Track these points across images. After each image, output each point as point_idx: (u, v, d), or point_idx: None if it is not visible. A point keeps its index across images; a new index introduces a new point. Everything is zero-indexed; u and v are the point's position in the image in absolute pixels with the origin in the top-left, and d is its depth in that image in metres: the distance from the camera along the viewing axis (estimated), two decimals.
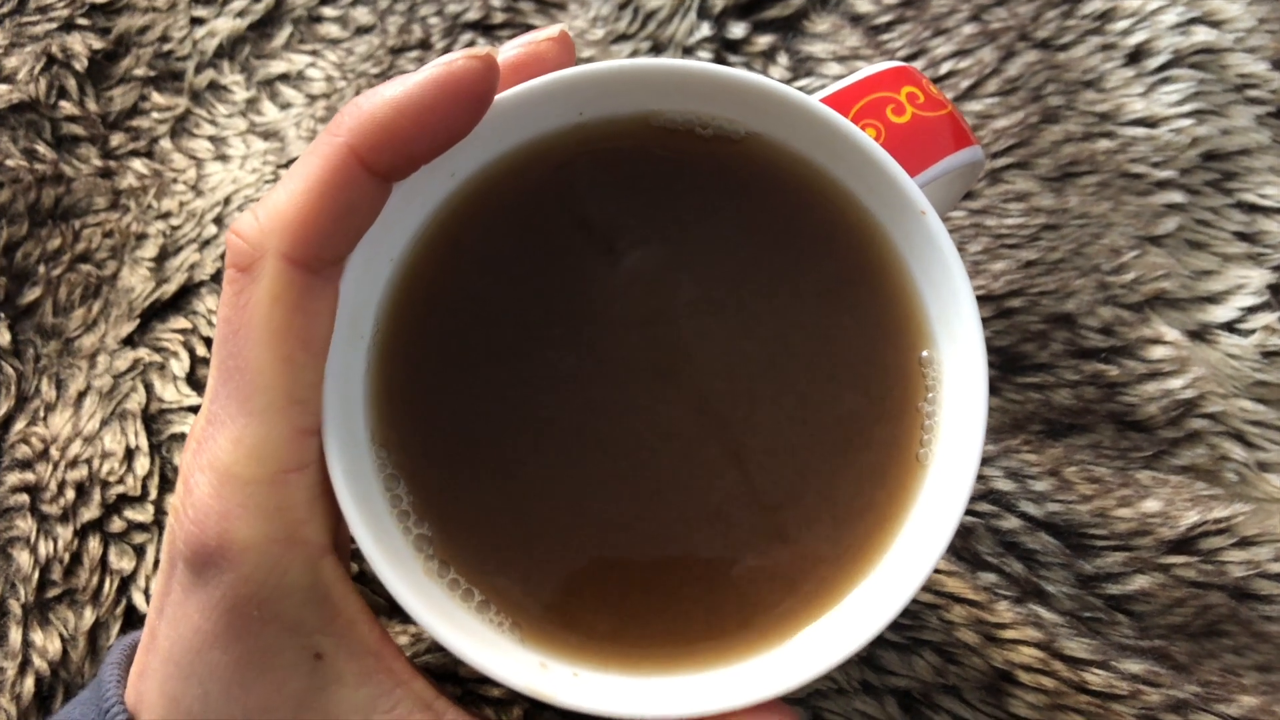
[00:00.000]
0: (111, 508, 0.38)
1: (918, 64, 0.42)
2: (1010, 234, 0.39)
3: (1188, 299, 0.39)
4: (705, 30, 0.43)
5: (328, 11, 0.47)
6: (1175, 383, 0.38)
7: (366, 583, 0.34)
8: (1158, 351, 0.39)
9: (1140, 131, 0.41)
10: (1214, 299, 0.39)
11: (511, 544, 0.26)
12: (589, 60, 0.41)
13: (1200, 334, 0.39)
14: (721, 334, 0.27)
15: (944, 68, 0.42)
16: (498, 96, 0.26)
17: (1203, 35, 0.41)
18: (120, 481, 0.38)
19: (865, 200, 0.27)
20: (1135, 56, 0.41)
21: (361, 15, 0.47)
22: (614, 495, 0.26)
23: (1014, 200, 0.40)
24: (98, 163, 0.45)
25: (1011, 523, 0.37)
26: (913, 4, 0.43)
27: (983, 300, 0.39)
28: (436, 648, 0.33)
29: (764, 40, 0.43)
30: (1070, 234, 0.40)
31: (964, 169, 0.30)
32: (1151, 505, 0.37)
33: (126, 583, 0.37)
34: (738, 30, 0.43)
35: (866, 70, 0.30)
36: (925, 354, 0.27)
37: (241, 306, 0.24)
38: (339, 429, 0.25)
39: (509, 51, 0.27)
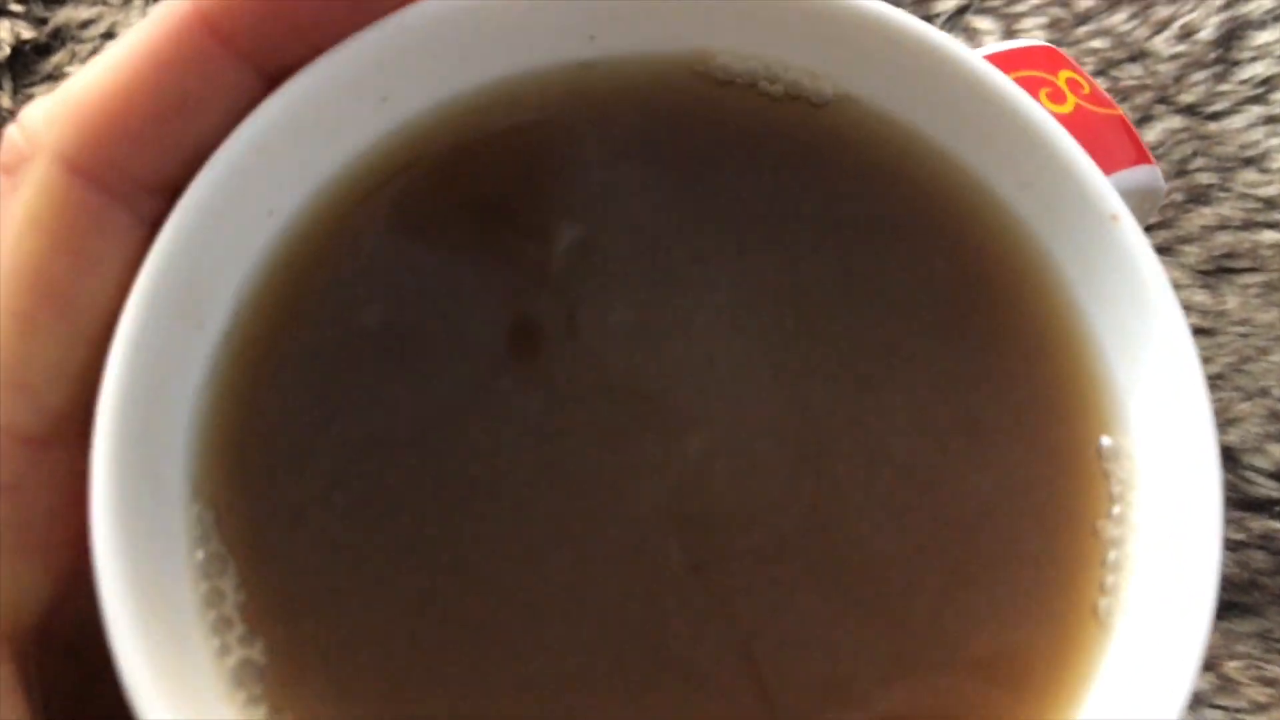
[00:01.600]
0: None
1: None
2: None
3: None
4: None
5: None
6: None
7: None
8: None
9: None
10: None
11: (402, 700, 0.15)
12: None
13: None
14: (777, 402, 0.17)
15: None
16: (471, 1, 0.17)
17: None
18: None
19: (1015, 202, 0.18)
20: None
21: None
22: (584, 665, 0.16)
23: None
24: None
25: None
26: None
27: None
28: None
29: None
30: (1229, 344, 0.30)
31: (1142, 194, 0.21)
32: None
33: None
34: None
35: (1007, 44, 0.21)
36: (1108, 442, 0.17)
37: None
38: (129, 462, 0.14)
39: None
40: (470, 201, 0.18)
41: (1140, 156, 0.20)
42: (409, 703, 0.15)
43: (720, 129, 0.18)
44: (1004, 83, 0.17)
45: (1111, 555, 0.16)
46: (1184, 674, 0.15)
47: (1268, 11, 0.34)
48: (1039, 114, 0.17)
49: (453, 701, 0.15)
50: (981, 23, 0.35)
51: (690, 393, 0.17)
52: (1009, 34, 0.35)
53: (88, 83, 0.15)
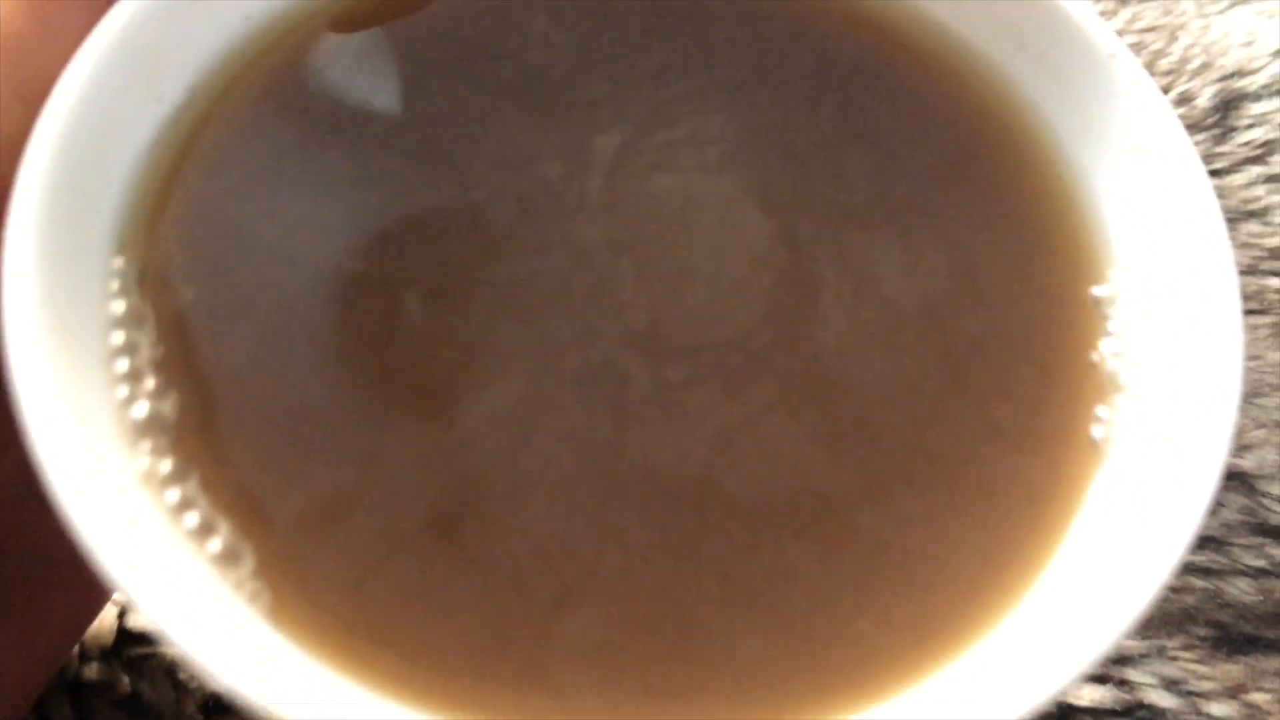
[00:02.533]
0: None
1: None
2: None
3: None
4: None
5: None
6: None
7: None
8: None
9: None
10: None
11: (326, 466, 0.14)
12: None
13: None
14: (761, 231, 0.16)
15: None
16: None
17: None
18: None
19: (1012, 63, 0.17)
20: None
21: None
22: (539, 469, 0.14)
23: None
24: None
25: None
26: None
27: None
28: None
29: None
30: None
31: None
32: None
33: None
34: None
35: None
36: (1104, 289, 0.16)
37: None
38: (55, 199, 0.14)
39: None
40: (456, 31, 0.17)
41: None
42: (323, 466, 0.13)
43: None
44: None
45: (1108, 387, 0.15)
46: (1202, 494, 0.13)
47: (1263, 86, 0.35)
48: None
49: (370, 464, 0.13)
50: None
51: (668, 218, 0.16)
52: None
53: None
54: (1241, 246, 0.32)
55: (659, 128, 0.17)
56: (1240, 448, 0.28)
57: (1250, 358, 0.29)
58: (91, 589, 0.20)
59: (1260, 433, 0.28)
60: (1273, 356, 0.29)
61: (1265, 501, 0.27)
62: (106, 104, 0.14)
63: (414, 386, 0.14)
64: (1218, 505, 0.27)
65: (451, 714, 0.12)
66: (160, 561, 0.12)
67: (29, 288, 0.13)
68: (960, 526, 0.14)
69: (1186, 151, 0.15)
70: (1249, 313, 0.30)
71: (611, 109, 0.17)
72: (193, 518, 0.13)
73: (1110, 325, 0.15)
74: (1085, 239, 0.16)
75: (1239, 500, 0.27)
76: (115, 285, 0.14)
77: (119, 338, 0.14)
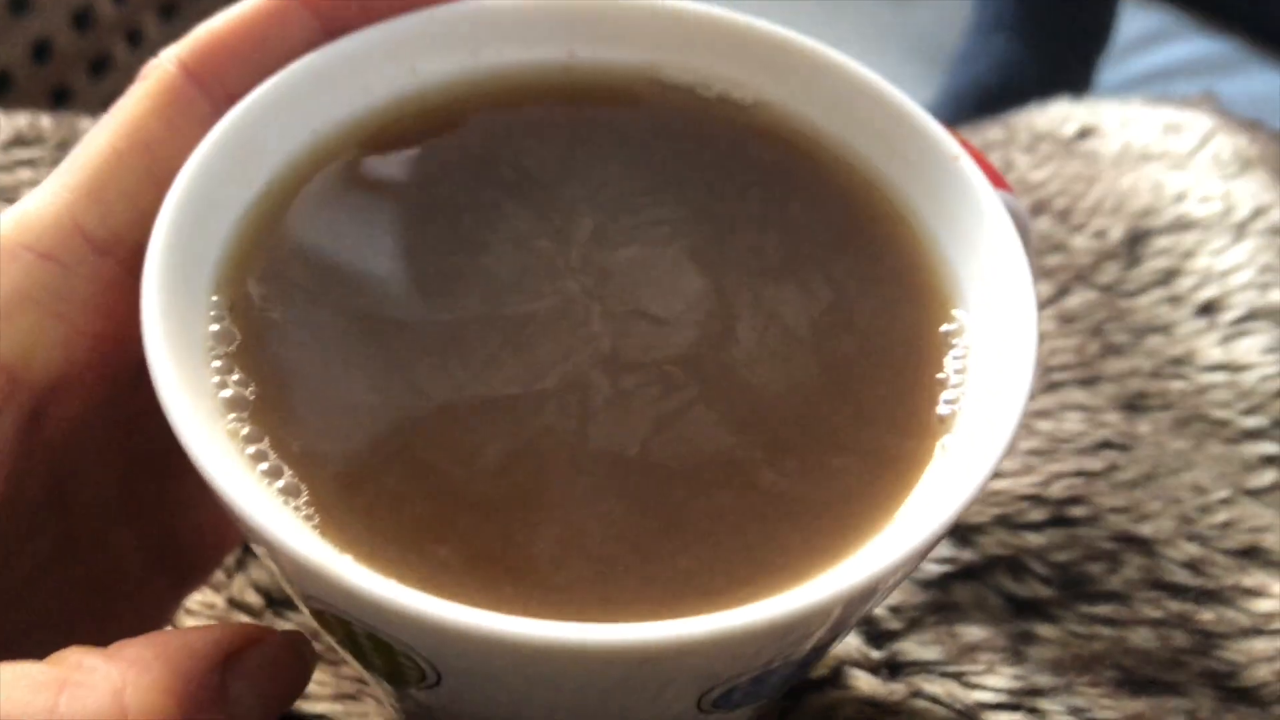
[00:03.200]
0: None
1: None
2: (1070, 440, 0.33)
3: None
4: None
5: None
6: None
7: None
8: (1263, 605, 0.30)
9: (1220, 377, 0.35)
10: None
11: (359, 435, 0.18)
12: None
13: None
14: (697, 285, 0.21)
15: None
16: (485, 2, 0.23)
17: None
18: None
19: (886, 166, 0.23)
20: (1207, 309, 0.37)
21: None
22: (537, 411, 0.19)
23: (1074, 409, 0.34)
24: None
25: None
26: None
27: (1036, 502, 0.32)
28: None
29: None
30: (1143, 457, 0.33)
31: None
32: None
33: None
34: None
35: None
36: (950, 326, 0.21)
37: (116, 107, 0.21)
38: (174, 249, 0.19)
39: None
40: (473, 148, 0.23)
41: (999, 183, 0.25)
42: (356, 434, 0.18)
43: (667, 117, 0.24)
44: (879, 83, 0.22)
45: (952, 384, 0.20)
46: (1003, 439, 0.18)
47: (1167, 224, 0.40)
48: (901, 99, 0.22)
49: (393, 438, 0.18)
50: None
51: (629, 275, 0.21)
52: None
53: (213, 21, 0.21)
54: (1147, 355, 0.36)
55: (622, 215, 0.22)
56: (1141, 517, 0.32)
57: (1153, 444, 0.34)
58: (157, 605, 0.24)
59: (1158, 504, 0.32)
60: (1172, 445, 0.34)
61: (1162, 562, 0.31)
62: (210, 189, 0.20)
63: (433, 389, 0.19)
64: (1118, 564, 0.31)
65: (460, 602, 0.16)
66: (244, 490, 0.17)
67: (157, 312, 0.18)
68: (836, 478, 0.18)
69: (1007, 228, 0.20)
70: (1151, 409, 0.35)
71: (587, 202, 0.22)
72: (264, 465, 0.18)
73: (953, 351, 0.20)
74: (937, 289, 0.21)
75: (1139, 560, 0.31)
76: (213, 313, 0.19)
77: (214, 346, 0.19)
